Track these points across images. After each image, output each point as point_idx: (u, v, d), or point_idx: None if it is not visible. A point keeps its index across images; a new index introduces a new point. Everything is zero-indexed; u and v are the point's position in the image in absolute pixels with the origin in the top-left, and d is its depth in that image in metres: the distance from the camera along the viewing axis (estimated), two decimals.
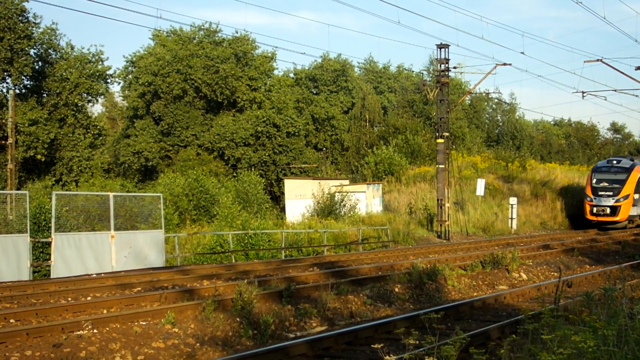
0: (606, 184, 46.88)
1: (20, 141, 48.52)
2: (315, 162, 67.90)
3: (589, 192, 47.38)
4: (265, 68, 65.14)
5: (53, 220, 23.05)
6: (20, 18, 49.01)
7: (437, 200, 42.38)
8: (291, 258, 28.69)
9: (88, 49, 54.86)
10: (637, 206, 46.94)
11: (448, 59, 47.25)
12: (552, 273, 23.86)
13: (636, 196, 46.59)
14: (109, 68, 56.57)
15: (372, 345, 11.02)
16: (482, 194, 47.57)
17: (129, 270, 22.68)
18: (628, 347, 8.04)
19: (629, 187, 46.42)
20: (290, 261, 24.55)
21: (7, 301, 15.63)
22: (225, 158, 62.96)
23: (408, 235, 38.93)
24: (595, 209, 46.33)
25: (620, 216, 46.18)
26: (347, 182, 52.93)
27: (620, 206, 46.02)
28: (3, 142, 45.32)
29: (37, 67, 52.52)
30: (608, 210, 46.08)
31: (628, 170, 47.02)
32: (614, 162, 48.46)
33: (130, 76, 64.85)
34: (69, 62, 53.25)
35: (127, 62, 65.26)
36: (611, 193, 46.31)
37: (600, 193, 46.62)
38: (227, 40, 63.57)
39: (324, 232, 35.14)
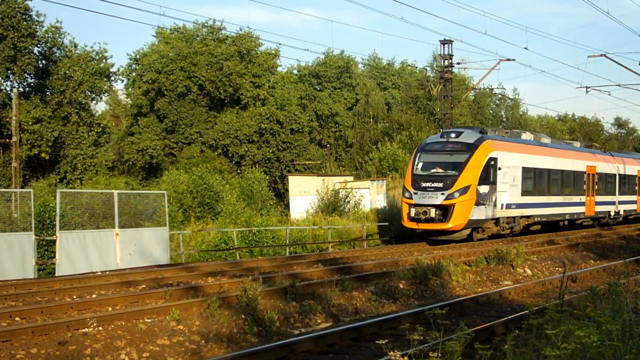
0: (436, 171, 30.84)
1: (24, 139, 48.54)
2: (319, 159, 67.88)
3: (408, 184, 30.94)
4: (268, 65, 65.11)
5: (58, 218, 23.07)
6: (23, 16, 49.01)
7: None
8: (295, 255, 28.70)
9: (92, 47, 54.84)
10: (486, 205, 30.76)
11: (452, 55, 47.30)
12: (556, 268, 23.83)
13: (484, 189, 30.56)
14: (113, 65, 56.56)
15: (377, 341, 11.04)
16: None
17: (133, 268, 22.70)
18: (632, 342, 8.04)
19: (470, 174, 30.03)
20: (294, 258, 24.56)
21: (13, 299, 15.67)
22: (229, 155, 62.97)
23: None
24: (414, 211, 29.92)
25: (454, 221, 29.64)
26: (351, 178, 52.93)
27: (453, 206, 29.51)
28: (7, 140, 45.37)
29: (40, 65, 52.53)
30: (433, 213, 29.62)
31: (471, 148, 30.78)
32: (452, 135, 31.91)
33: (134, 74, 64.87)
34: (73, 60, 53.26)
35: (130, 59, 65.31)
36: (440, 185, 30.06)
37: (424, 185, 30.20)
38: (230, 37, 63.55)
39: (329, 228, 35.15)
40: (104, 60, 55.28)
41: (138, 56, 64.49)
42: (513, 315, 13.73)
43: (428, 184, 30.28)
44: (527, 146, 35.50)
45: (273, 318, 13.49)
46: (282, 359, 11.11)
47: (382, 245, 33.96)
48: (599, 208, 42.10)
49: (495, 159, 31.33)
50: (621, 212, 45.39)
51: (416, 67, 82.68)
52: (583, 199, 40.11)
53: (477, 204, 30.21)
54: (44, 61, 53.17)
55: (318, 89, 72.54)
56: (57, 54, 53.97)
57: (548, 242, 31.58)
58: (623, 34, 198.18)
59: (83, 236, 23.42)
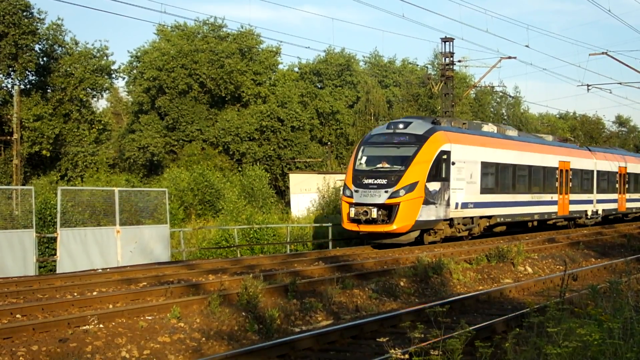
0: (382, 166, 27.45)
1: (25, 137, 48.57)
2: (320, 157, 67.86)
3: (349, 180, 27.45)
4: (269, 63, 65.12)
5: (59, 215, 23.08)
6: (25, 14, 49.03)
7: None
8: (296, 252, 28.71)
9: (93, 44, 54.88)
10: (437, 204, 27.43)
11: (453, 53, 47.26)
12: (557, 266, 23.84)
13: (434, 186, 27.19)
14: (114, 63, 56.59)
15: (378, 339, 11.04)
16: None
17: (134, 265, 22.71)
18: (633, 340, 8.04)
19: (417, 170, 26.66)
20: (295, 255, 24.57)
21: (13, 296, 15.68)
22: (230, 153, 62.97)
23: None
24: (354, 211, 26.49)
25: (400, 222, 26.16)
26: None
27: (398, 205, 26.11)
28: (8, 137, 45.41)
29: (41, 62, 52.55)
30: (375, 213, 26.13)
31: (420, 140, 27.36)
32: (399, 126, 28.28)
33: (135, 71, 64.86)
34: (74, 58, 53.27)
35: (131, 57, 65.30)
36: (384, 181, 26.60)
37: (366, 182, 26.79)
38: (231, 35, 63.53)
39: (329, 226, 35.17)
40: (105, 58, 55.32)
41: (139, 53, 64.49)
42: (514, 313, 13.74)
43: (371, 181, 26.74)
44: (487, 139, 32.08)
45: (274, 316, 13.49)
46: (283, 357, 11.12)
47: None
48: (573, 207, 39.13)
49: (448, 153, 27.93)
50: (600, 212, 42.19)
51: (417, 65, 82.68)
52: (555, 197, 37.14)
53: (426, 202, 26.82)
54: (45, 58, 53.19)
55: (319, 86, 72.53)
56: (58, 52, 53.98)
57: (549, 240, 31.57)
58: (624, 32, 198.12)
59: (84, 233, 23.43)
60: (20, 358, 10.82)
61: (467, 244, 30.08)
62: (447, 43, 46.98)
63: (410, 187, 26.40)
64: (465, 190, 29.01)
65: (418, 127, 28.02)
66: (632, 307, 9.32)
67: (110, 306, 14.71)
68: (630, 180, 46.85)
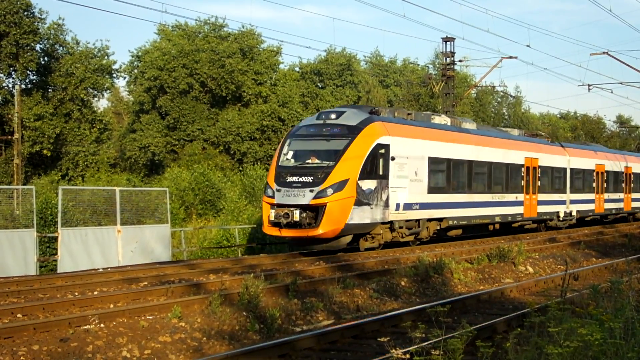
0: (312, 161, 24.30)
1: (26, 136, 48.57)
2: None
3: (271, 178, 24.50)
4: (270, 62, 65.09)
5: (60, 215, 23.09)
6: (26, 13, 49.04)
7: None
8: (297, 252, 28.71)
9: (94, 44, 54.87)
10: (373, 205, 24.23)
11: (454, 53, 47.27)
12: (558, 266, 23.85)
13: (369, 184, 24.08)
14: (115, 62, 56.59)
15: (379, 339, 11.05)
16: None
17: (135, 265, 22.71)
18: (635, 340, 8.04)
19: (348, 166, 23.64)
20: (296, 255, 24.56)
21: (14, 296, 15.68)
22: (231, 152, 62.95)
23: None
24: (274, 213, 23.45)
25: (326, 226, 23.13)
26: None
27: (324, 206, 23.09)
28: (9, 137, 45.42)
29: (42, 62, 52.55)
30: (298, 215, 23.10)
31: (353, 132, 24.33)
32: (331, 116, 25.22)
33: (135, 71, 64.83)
34: (75, 57, 53.28)
35: (132, 56, 65.23)
36: (310, 179, 23.57)
37: (290, 180, 23.81)
38: (232, 34, 63.52)
39: None
40: (106, 57, 55.33)
41: (140, 53, 64.46)
42: (515, 313, 13.74)
43: (295, 179, 23.76)
44: (437, 132, 28.65)
45: (275, 315, 13.49)
46: (284, 357, 11.12)
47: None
48: (543, 208, 35.98)
49: (386, 147, 24.81)
50: (574, 213, 38.88)
51: (418, 65, 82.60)
52: (521, 197, 33.97)
53: (359, 203, 23.67)
54: (46, 58, 53.20)
55: (320, 86, 72.51)
56: (59, 51, 53.99)
57: (550, 239, 31.57)
58: (625, 32, 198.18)
59: (85, 233, 23.45)
60: (21, 358, 10.82)
61: (467, 243, 30.01)
62: (448, 43, 47.00)
63: (340, 186, 23.34)
64: (408, 189, 25.82)
65: (352, 118, 24.91)
66: (633, 307, 9.31)
67: (111, 306, 14.71)
68: (610, 179, 43.84)
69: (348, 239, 24.47)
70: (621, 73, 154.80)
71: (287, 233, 23.74)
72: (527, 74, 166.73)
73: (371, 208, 24.18)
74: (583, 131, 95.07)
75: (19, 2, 48.28)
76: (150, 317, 13.22)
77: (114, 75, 57.66)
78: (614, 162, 44.81)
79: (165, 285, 16.87)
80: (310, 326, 14.07)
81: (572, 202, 38.83)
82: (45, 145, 50.30)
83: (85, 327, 12.33)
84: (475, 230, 33.75)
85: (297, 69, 74.10)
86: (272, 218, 23.58)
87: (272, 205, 23.70)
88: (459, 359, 8.07)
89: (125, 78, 65.64)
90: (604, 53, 43.89)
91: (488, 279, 20.63)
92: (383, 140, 24.77)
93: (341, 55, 72.44)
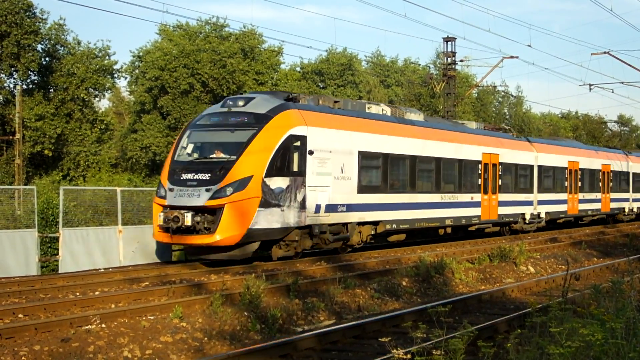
0: (217, 155, 21.33)
1: (27, 136, 48.56)
2: None
3: (164, 176, 21.57)
4: (271, 62, 65.10)
5: (61, 215, 23.08)
6: (27, 13, 49.04)
7: None
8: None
9: (95, 44, 54.88)
10: (284, 207, 21.05)
11: (455, 52, 47.31)
12: (559, 266, 23.85)
13: (280, 183, 20.94)
14: (116, 63, 56.61)
15: (380, 339, 11.04)
16: None
17: (136, 265, 22.72)
18: (636, 340, 8.03)
19: (253, 160, 20.56)
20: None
21: (16, 296, 15.69)
22: None
23: None
24: (163, 216, 20.42)
25: (225, 232, 19.95)
26: None
27: (222, 208, 19.97)
28: (10, 137, 45.43)
29: (44, 62, 52.57)
30: (189, 219, 19.90)
31: (261, 121, 21.25)
32: (239, 103, 22.00)
33: (137, 71, 64.82)
34: (76, 57, 53.28)
35: (133, 56, 65.20)
36: (207, 176, 20.49)
37: (185, 177, 20.77)
38: (233, 34, 63.54)
39: None
40: (107, 58, 55.35)
41: (141, 53, 64.46)
42: (516, 313, 13.75)
43: (190, 176, 20.61)
44: (371, 123, 25.19)
45: (276, 315, 13.50)
46: (285, 357, 11.12)
47: (385, 242, 28.87)
48: (505, 210, 32.67)
49: (302, 139, 21.62)
50: (542, 215, 35.86)
51: (419, 65, 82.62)
52: (478, 197, 30.72)
53: (266, 204, 20.38)
54: (47, 58, 53.21)
55: (321, 86, 72.50)
56: (61, 51, 54.00)
57: (551, 239, 31.57)
58: (626, 32, 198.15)
59: (86, 233, 23.42)
60: (23, 358, 10.83)
61: (469, 243, 29.93)
62: (449, 42, 47.02)
63: (241, 184, 20.03)
64: (332, 188, 22.63)
65: (261, 105, 21.74)
66: (635, 307, 9.31)
67: (113, 306, 14.72)
68: (585, 178, 40.62)
69: (254, 246, 21.19)
70: (622, 73, 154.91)
71: (178, 240, 20.63)
72: (528, 74, 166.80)
73: (282, 210, 20.92)
74: (584, 131, 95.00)
75: (20, 3, 48.29)
76: (152, 317, 13.23)
77: (115, 75, 57.68)
78: (590, 159, 41.70)
79: (166, 285, 16.88)
80: (312, 326, 14.08)
81: (541, 202, 35.73)
82: (46, 146, 50.30)
83: (87, 327, 12.34)
84: (423, 235, 30.44)
85: (298, 69, 74.14)
86: (161, 222, 20.31)
87: (165, 207, 20.52)
88: (460, 359, 8.07)
89: (126, 78, 65.64)
90: (605, 53, 43.90)
91: (489, 278, 20.63)
92: (298, 130, 21.54)
93: (342, 55, 72.46)
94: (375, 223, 24.88)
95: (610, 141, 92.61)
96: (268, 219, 20.61)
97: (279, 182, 20.94)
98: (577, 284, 17.57)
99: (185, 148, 21.83)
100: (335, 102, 24.76)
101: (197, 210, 20.11)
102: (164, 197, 20.81)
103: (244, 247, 20.85)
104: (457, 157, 29.46)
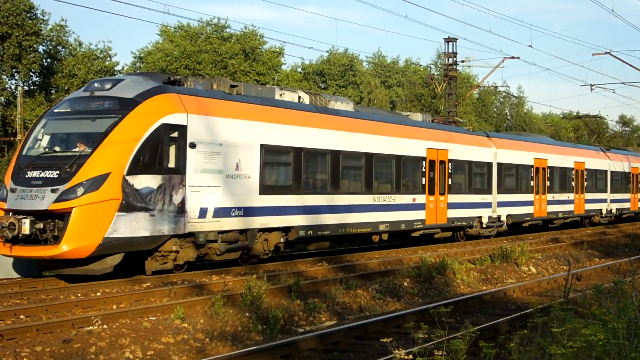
0: (58, 149, 17.99)
1: None
2: None
3: (7, 175, 17.94)
4: (273, 63, 65.15)
5: None
6: (28, 15, 49.07)
7: None
8: (300, 252, 28.72)
9: (96, 45, 54.96)
10: (155, 211, 17.66)
11: (456, 53, 47.27)
12: (561, 266, 23.85)
13: (147, 182, 17.56)
14: (117, 64, 56.65)
15: (382, 340, 11.06)
16: None
17: None
18: (638, 340, 8.04)
19: (111, 154, 17.10)
20: (298, 256, 24.56)
21: (17, 297, 15.68)
22: None
23: None
24: None
25: (71, 242, 16.35)
26: None
27: (69, 212, 16.44)
28: (12, 138, 45.46)
29: (45, 63, 52.61)
30: (28, 227, 16.33)
31: (126, 107, 17.78)
32: (106, 86, 18.50)
33: (138, 72, 64.94)
34: (77, 59, 53.32)
35: (135, 58, 65.31)
36: (54, 174, 16.89)
37: (30, 175, 17.16)
38: (235, 35, 63.60)
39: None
40: (108, 59, 55.38)
41: (142, 54, 64.53)
42: (518, 314, 13.74)
43: (36, 174, 16.99)
44: (279, 111, 21.57)
45: (277, 316, 13.50)
46: (287, 357, 11.13)
47: (386, 243, 28.76)
48: (456, 213, 29.18)
49: (180, 128, 18.21)
50: (503, 218, 32.41)
51: (420, 65, 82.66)
52: (422, 199, 27.21)
53: (129, 208, 17.00)
54: (48, 59, 53.25)
55: (322, 87, 72.55)
56: (62, 52, 54.04)
57: (552, 240, 31.55)
58: (627, 32, 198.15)
59: None
60: (24, 359, 10.82)
61: (470, 244, 29.82)
62: (450, 43, 47.00)
63: (95, 183, 16.57)
64: (224, 188, 19.25)
65: (130, 88, 18.24)
66: (637, 307, 9.31)
67: (114, 307, 14.71)
68: (555, 177, 37.21)
69: (115, 259, 17.53)
70: (623, 73, 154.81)
71: (18, 252, 16.83)
72: (529, 74, 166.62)
73: (152, 215, 17.43)
74: (586, 131, 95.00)
75: (21, 4, 48.33)
76: (153, 318, 13.23)
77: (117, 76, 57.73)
78: (561, 156, 38.11)
79: (168, 286, 16.87)
80: (313, 327, 14.08)
81: (501, 204, 32.26)
82: None
83: (88, 328, 12.34)
84: (351, 242, 27.44)
85: (299, 69, 74.19)
86: None
87: (6, 212, 17.07)
88: (461, 359, 8.07)
89: None
90: (606, 53, 43.85)
91: (491, 279, 20.63)
92: (175, 119, 18.09)
93: (343, 55, 72.51)
94: (286, 229, 21.42)
95: (611, 141, 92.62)
96: (131, 226, 17.06)
97: (147, 181, 17.43)
98: (579, 284, 17.58)
99: (39, 140, 18.14)
100: (233, 86, 21.01)
101: (39, 215, 16.55)
102: (4, 200, 17.24)
103: (103, 261, 17.27)
104: (395, 152, 25.84)
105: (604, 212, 42.89)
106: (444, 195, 28.45)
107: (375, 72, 78.25)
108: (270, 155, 21.02)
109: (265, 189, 20.62)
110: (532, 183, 34.92)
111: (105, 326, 12.46)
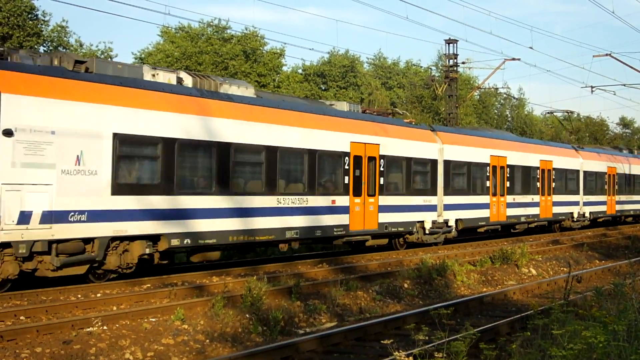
0: None
1: None
2: None
3: None
4: (273, 64, 65.18)
5: None
6: (29, 15, 49.13)
7: None
8: (300, 254, 28.73)
9: (97, 46, 54.97)
10: None
11: (456, 54, 47.22)
12: (561, 268, 23.84)
13: None
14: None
15: (382, 341, 11.05)
16: None
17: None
18: (638, 342, 8.03)
19: None
20: (299, 257, 24.56)
21: (17, 298, 15.67)
22: None
23: None
24: None
25: None
26: None
27: None
28: None
29: None
30: None
31: None
32: None
33: None
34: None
35: (135, 58, 65.35)
36: None
37: None
38: (235, 36, 63.63)
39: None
40: (109, 59, 55.41)
41: (143, 55, 64.55)
42: (518, 315, 13.74)
43: None
44: (142, 94, 18.03)
45: (278, 317, 13.49)
46: (287, 359, 11.12)
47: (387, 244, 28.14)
48: (389, 217, 25.27)
49: None
50: (451, 223, 28.53)
51: (421, 67, 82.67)
52: (344, 200, 23.40)
53: None
54: None
55: (323, 88, 72.56)
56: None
57: (553, 241, 31.54)
58: (628, 33, 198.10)
59: None
60: None
61: (471, 245, 29.81)
62: (451, 44, 46.97)
63: None
64: (58, 187, 15.89)
65: None
66: (637, 309, 9.31)
67: (114, 308, 14.71)
68: (516, 177, 33.48)
69: None
70: (624, 75, 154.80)
71: None
72: (530, 76, 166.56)
73: None
74: (586, 133, 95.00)
75: (22, 5, 48.38)
76: (153, 320, 13.23)
77: None
78: (523, 154, 34.31)
79: (168, 287, 16.86)
80: (313, 328, 14.07)
81: (449, 207, 28.55)
82: None
83: (88, 329, 12.34)
84: (252, 250, 23.76)
85: (300, 70, 74.19)
86: None
87: None
88: None
89: None
90: (607, 55, 43.82)
91: (491, 281, 20.62)
92: None
93: (344, 57, 72.52)
94: (154, 237, 18.02)
95: (612, 143, 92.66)
96: None
97: None
98: (579, 286, 17.57)
99: None
100: (80, 62, 17.38)
101: None
102: None
103: None
104: (307, 146, 22.18)
105: (575, 215, 39.21)
106: (374, 197, 24.72)
107: (376, 74, 78.23)
108: (129, 147, 17.42)
109: (120, 189, 17.07)
110: (488, 183, 31.16)
111: (105, 327, 12.46)
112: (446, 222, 28.33)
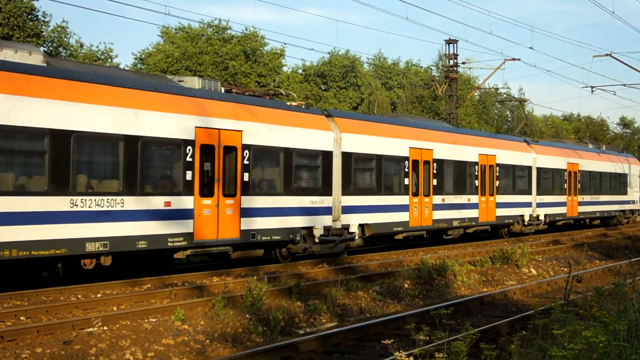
0: None
1: None
2: None
3: None
4: (274, 65, 65.19)
5: None
6: (29, 16, 49.11)
7: None
8: (300, 254, 28.73)
9: (97, 47, 55.02)
10: None
11: (457, 55, 47.22)
12: (561, 268, 23.84)
13: None
14: (118, 65, 56.68)
15: (382, 341, 11.06)
16: None
17: None
18: (638, 342, 8.03)
19: None
20: (299, 257, 24.55)
21: (18, 299, 15.67)
22: None
23: None
24: None
25: None
26: None
27: None
28: None
29: None
30: None
31: None
32: None
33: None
34: (78, 60, 53.36)
35: (136, 59, 65.40)
36: None
37: None
38: (236, 37, 63.66)
39: None
40: (109, 60, 55.41)
41: (143, 56, 64.59)
42: (518, 315, 13.75)
43: None
44: None
45: (278, 318, 13.49)
46: (287, 359, 11.12)
47: (387, 244, 28.06)
48: (258, 222, 20.31)
49: None
50: (354, 229, 23.76)
51: (421, 67, 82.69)
52: (188, 202, 18.35)
53: None
54: None
55: (323, 88, 72.57)
56: (63, 54, 54.05)
57: (553, 242, 31.54)
58: (628, 34, 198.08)
59: None
60: None
61: (471, 245, 29.86)
62: (451, 45, 46.97)
63: None
64: None
65: None
66: (637, 309, 9.31)
67: (115, 308, 14.71)
68: (445, 173, 28.61)
69: None
70: (624, 75, 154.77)
71: None
72: (530, 76, 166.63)
73: None
74: (587, 133, 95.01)
75: (22, 5, 48.37)
76: (154, 320, 13.23)
77: None
78: (456, 147, 29.48)
79: (168, 287, 16.86)
80: (314, 328, 14.07)
81: (349, 210, 23.74)
82: None
83: (89, 329, 12.34)
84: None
85: (300, 71, 74.20)
86: None
87: None
88: None
89: None
90: (607, 55, 43.80)
91: (491, 281, 20.62)
92: None
93: (344, 57, 72.52)
94: None
95: (612, 143, 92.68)
96: None
97: None
98: (579, 286, 17.58)
99: None
100: None
101: None
102: None
103: None
104: (123, 132, 16.84)
105: (527, 218, 34.55)
106: (234, 198, 19.73)
107: (376, 74, 78.19)
108: None
109: None
110: (407, 181, 26.28)
111: (105, 327, 12.46)
112: (346, 227, 23.53)
